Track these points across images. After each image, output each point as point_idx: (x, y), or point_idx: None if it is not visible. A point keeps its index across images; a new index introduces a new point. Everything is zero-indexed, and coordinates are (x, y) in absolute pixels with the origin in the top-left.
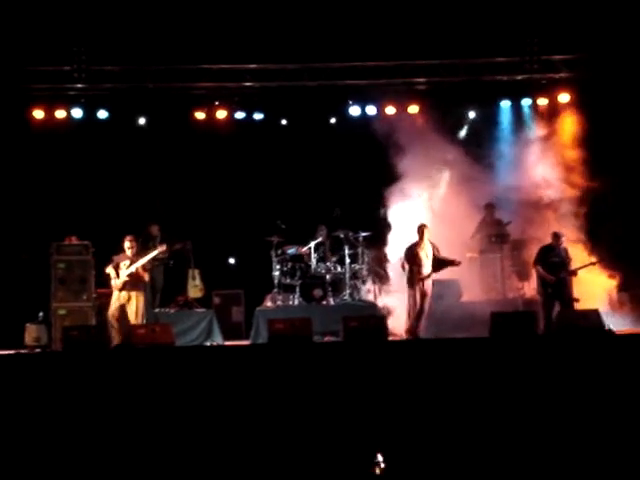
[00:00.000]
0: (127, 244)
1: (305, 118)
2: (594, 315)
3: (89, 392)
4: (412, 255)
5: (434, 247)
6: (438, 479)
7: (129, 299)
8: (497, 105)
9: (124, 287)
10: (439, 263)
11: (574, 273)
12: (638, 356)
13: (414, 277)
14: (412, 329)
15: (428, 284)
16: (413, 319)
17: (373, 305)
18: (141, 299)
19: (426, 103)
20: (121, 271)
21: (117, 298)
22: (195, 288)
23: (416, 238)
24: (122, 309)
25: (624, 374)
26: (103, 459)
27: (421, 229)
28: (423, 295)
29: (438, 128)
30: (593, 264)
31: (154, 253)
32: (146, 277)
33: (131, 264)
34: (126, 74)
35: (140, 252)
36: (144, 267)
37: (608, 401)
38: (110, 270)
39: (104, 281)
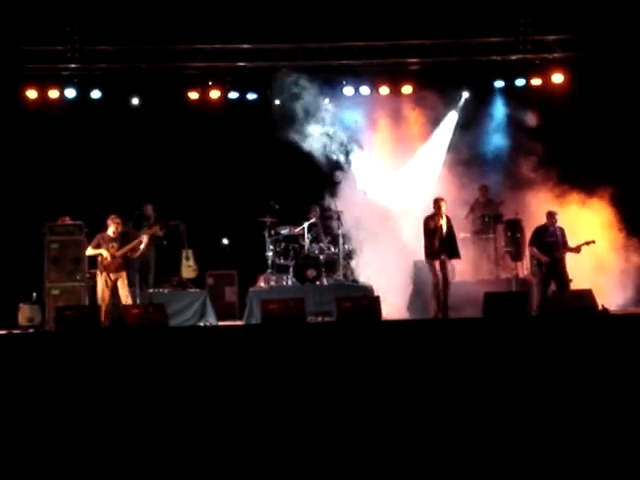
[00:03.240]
0: (114, 224)
1: (297, 98)
2: (588, 295)
3: (82, 372)
4: (427, 227)
5: (449, 222)
6: (431, 459)
7: (118, 279)
8: (491, 85)
9: (117, 269)
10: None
11: (577, 250)
12: (631, 336)
13: (433, 249)
14: (443, 307)
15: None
16: (441, 298)
17: (366, 285)
18: (125, 279)
19: (420, 83)
20: (111, 252)
21: (106, 279)
22: (189, 268)
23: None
24: (112, 290)
25: (617, 355)
26: (97, 439)
27: (437, 202)
28: (444, 268)
29: (431, 108)
30: (592, 242)
31: (146, 236)
32: (137, 254)
33: (121, 245)
34: (119, 54)
35: (133, 232)
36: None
37: (601, 382)
38: (99, 251)
39: (91, 259)
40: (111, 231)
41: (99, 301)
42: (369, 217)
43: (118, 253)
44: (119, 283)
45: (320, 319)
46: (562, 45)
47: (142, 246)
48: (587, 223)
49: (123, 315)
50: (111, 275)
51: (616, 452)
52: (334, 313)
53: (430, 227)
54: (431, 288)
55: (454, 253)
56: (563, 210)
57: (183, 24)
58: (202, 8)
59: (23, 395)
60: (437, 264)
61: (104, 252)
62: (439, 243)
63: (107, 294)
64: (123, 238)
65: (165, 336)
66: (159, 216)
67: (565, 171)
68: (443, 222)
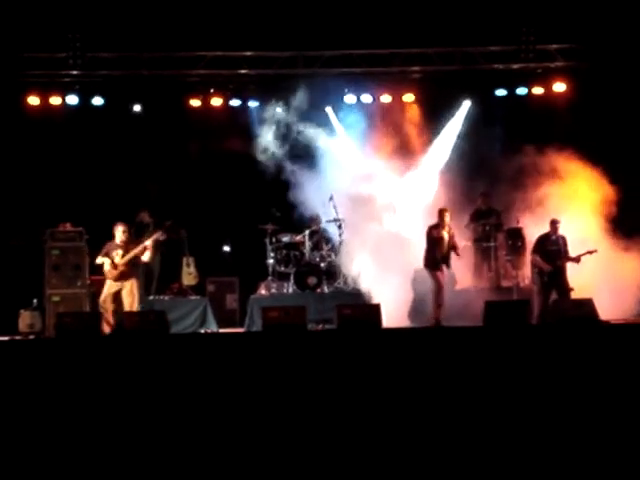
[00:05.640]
0: (119, 232)
1: (299, 106)
2: (588, 304)
3: (83, 379)
4: (431, 237)
5: (451, 232)
6: (432, 466)
7: (123, 287)
8: (492, 94)
9: (121, 277)
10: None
11: (577, 260)
12: (631, 346)
13: (435, 259)
14: (437, 316)
15: (446, 268)
16: (437, 306)
17: (367, 293)
18: (135, 285)
19: (421, 91)
20: (116, 260)
21: (110, 286)
22: (189, 275)
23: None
24: (114, 297)
25: (617, 364)
26: (97, 446)
27: (441, 213)
28: (443, 279)
29: (433, 117)
30: (595, 251)
31: (150, 241)
32: (146, 258)
33: (125, 253)
34: (121, 61)
35: (134, 240)
36: (143, 253)
37: (601, 391)
38: (103, 260)
39: (98, 268)
40: (118, 239)
41: (100, 307)
42: (370, 225)
43: (121, 261)
44: (123, 292)
45: (321, 327)
46: (564, 54)
47: (148, 252)
48: (590, 231)
49: (123, 322)
50: (116, 283)
51: (616, 460)
52: (335, 321)
53: (434, 237)
54: (433, 295)
55: (448, 263)
56: (565, 219)
57: (185, 31)
58: (204, 16)
59: (23, 401)
60: (439, 273)
61: (106, 260)
62: (441, 253)
63: (109, 301)
64: (127, 246)
65: (166, 343)
66: (158, 222)
67: (567, 180)
68: (445, 233)
